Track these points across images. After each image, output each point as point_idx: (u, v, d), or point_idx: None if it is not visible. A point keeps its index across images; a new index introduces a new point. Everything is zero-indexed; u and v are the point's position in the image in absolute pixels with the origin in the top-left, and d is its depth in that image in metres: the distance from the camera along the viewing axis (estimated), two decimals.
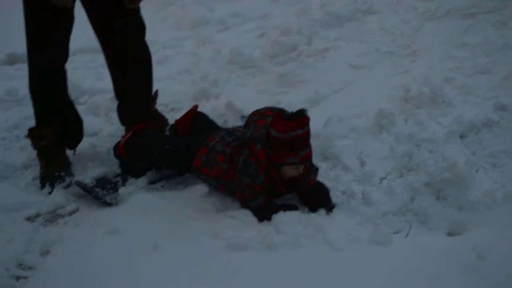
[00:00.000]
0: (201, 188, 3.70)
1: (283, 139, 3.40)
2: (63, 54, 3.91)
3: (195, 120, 4.23)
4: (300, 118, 3.41)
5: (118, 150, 3.99)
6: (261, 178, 3.49)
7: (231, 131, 3.88)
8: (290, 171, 3.50)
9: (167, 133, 4.38)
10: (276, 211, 3.44)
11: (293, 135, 3.39)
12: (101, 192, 3.76)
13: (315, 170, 3.71)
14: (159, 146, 3.89)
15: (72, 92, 5.06)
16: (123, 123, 4.40)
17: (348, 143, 4.15)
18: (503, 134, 4.29)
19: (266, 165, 3.48)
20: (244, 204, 3.53)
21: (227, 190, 3.68)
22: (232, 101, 4.78)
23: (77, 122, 4.17)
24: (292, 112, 3.47)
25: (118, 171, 3.99)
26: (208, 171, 3.68)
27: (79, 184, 3.82)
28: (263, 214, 3.45)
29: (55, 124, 3.97)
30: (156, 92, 4.46)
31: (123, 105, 4.37)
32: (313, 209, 3.56)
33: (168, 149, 3.85)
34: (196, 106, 4.35)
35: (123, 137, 4.05)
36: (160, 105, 4.89)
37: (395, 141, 4.22)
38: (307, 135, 3.46)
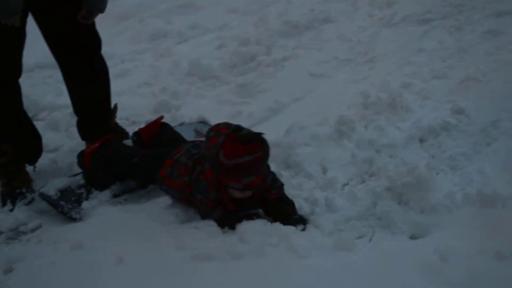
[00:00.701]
0: (164, 200, 3.68)
1: (228, 165, 3.32)
2: (16, 70, 3.85)
3: (160, 131, 4.23)
4: (251, 143, 3.32)
5: (83, 159, 3.97)
6: (212, 195, 3.48)
7: (197, 144, 3.85)
8: (235, 194, 3.46)
9: (130, 140, 4.35)
10: (237, 221, 3.45)
11: (238, 162, 3.31)
12: (66, 207, 3.72)
13: (279, 186, 3.66)
14: (127, 159, 3.87)
15: (31, 108, 5.07)
16: (84, 138, 4.37)
17: (310, 151, 4.17)
18: (461, 137, 4.35)
19: (215, 184, 3.46)
20: (203, 217, 3.55)
21: (188, 202, 3.67)
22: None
23: (36, 137, 4.13)
24: (248, 133, 3.39)
25: (82, 182, 3.96)
26: (171, 182, 3.67)
27: (43, 196, 3.78)
28: (224, 224, 3.47)
29: (13, 140, 3.92)
30: (116, 105, 4.45)
31: (82, 120, 4.34)
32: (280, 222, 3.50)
33: (136, 162, 3.83)
34: (161, 117, 4.34)
35: (88, 146, 4.01)
36: (121, 119, 4.86)
37: (356, 147, 4.26)
38: (255, 162, 3.34)
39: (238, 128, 3.44)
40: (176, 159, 3.72)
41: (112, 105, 4.42)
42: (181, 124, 4.72)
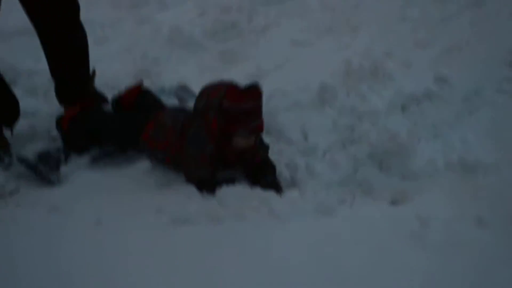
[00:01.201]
0: (144, 164, 3.65)
1: (235, 110, 3.40)
2: None
3: (141, 96, 4.17)
4: (253, 90, 3.42)
5: (62, 123, 3.94)
6: (210, 148, 3.47)
7: (179, 108, 3.90)
8: (241, 143, 3.50)
9: (110, 106, 4.29)
10: (219, 184, 3.42)
11: (245, 106, 3.41)
12: (44, 170, 3.68)
13: (265, 147, 3.71)
14: (107, 123, 3.85)
15: (9, 73, 4.95)
16: (61, 102, 4.30)
17: (291, 117, 4.14)
18: (444, 106, 4.34)
19: (218, 136, 3.47)
20: (188, 176, 3.51)
21: (173, 163, 3.64)
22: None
23: (12, 100, 4.06)
24: (245, 85, 3.46)
25: (61, 146, 3.92)
26: (155, 144, 3.65)
27: (21, 160, 3.73)
28: (207, 188, 3.44)
29: None
30: (94, 70, 4.38)
31: (60, 85, 4.28)
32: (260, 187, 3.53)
33: (117, 126, 3.81)
34: (141, 82, 4.30)
35: (67, 111, 3.96)
36: (100, 85, 4.78)
37: (337, 114, 4.22)
38: (259, 107, 3.47)
39: (233, 82, 3.55)
40: (159, 122, 3.70)
41: (91, 70, 4.35)
42: (162, 88, 4.66)
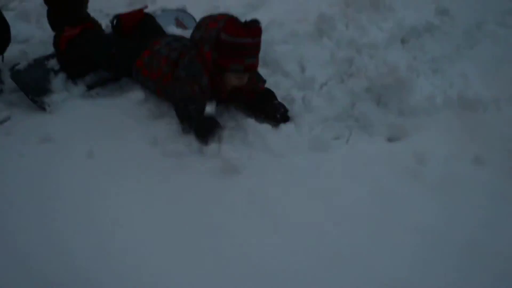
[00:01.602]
0: (137, 95, 3.58)
1: (231, 43, 3.31)
2: None
3: (143, 21, 4.08)
4: (253, 26, 3.31)
5: (60, 41, 3.84)
6: (205, 80, 3.39)
7: (178, 38, 3.79)
8: (233, 80, 3.43)
9: (110, 24, 4.17)
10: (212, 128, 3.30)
11: (242, 41, 3.31)
12: (36, 93, 3.63)
13: (264, 80, 3.64)
14: (104, 49, 3.75)
15: None
16: (54, 29, 4.21)
17: (288, 49, 4.06)
18: (444, 39, 4.29)
19: (212, 68, 3.39)
20: (172, 98, 3.45)
21: (164, 94, 3.58)
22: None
23: (2, 25, 3.95)
24: (245, 20, 3.34)
25: (57, 67, 3.83)
26: (149, 73, 3.58)
27: (16, 77, 3.68)
28: (200, 130, 3.31)
29: None
30: None
31: (52, 10, 4.17)
32: (267, 116, 3.48)
33: (113, 52, 3.72)
34: (146, 7, 4.20)
35: (66, 29, 3.88)
36: (94, 10, 4.69)
37: (335, 46, 4.16)
38: (257, 45, 3.37)
39: (235, 16, 3.44)
40: (155, 50, 3.62)
41: None
42: (162, 10, 4.58)
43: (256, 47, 3.38)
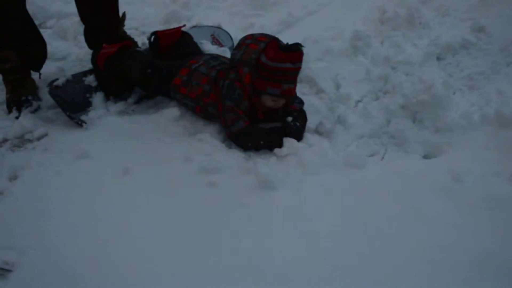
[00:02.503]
0: (172, 112, 3.61)
1: (270, 67, 3.30)
2: None
3: (181, 40, 4.11)
4: (295, 52, 3.30)
5: (97, 58, 3.88)
6: (245, 104, 3.42)
7: (215, 56, 3.80)
8: (268, 101, 3.43)
9: (147, 41, 4.23)
10: (262, 135, 3.39)
11: (281, 66, 3.29)
12: (73, 109, 3.67)
13: (301, 101, 3.65)
14: (141, 69, 3.77)
15: (38, 15, 4.98)
16: (91, 47, 4.25)
17: (323, 66, 4.08)
18: (480, 56, 4.26)
19: (250, 91, 3.40)
20: (227, 130, 3.45)
21: (203, 112, 3.60)
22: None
23: (40, 43, 4.00)
24: (287, 43, 3.34)
25: (95, 83, 3.89)
26: (187, 91, 3.59)
27: (55, 93, 3.72)
28: (249, 137, 3.40)
29: (16, 44, 3.80)
30: (124, 14, 4.32)
31: (89, 28, 4.22)
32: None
33: (149, 73, 3.74)
34: (183, 26, 4.24)
35: (105, 47, 3.93)
36: (130, 29, 4.75)
37: (370, 63, 4.16)
38: (296, 71, 3.36)
39: (277, 38, 3.44)
40: (194, 68, 3.63)
41: (121, 14, 4.29)
42: (198, 26, 4.63)
43: (296, 72, 3.36)
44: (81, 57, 4.41)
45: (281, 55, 3.27)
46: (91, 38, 4.25)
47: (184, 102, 3.65)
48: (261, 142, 3.37)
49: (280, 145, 3.33)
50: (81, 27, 4.45)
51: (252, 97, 3.42)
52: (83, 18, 4.20)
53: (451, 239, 2.70)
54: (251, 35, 3.51)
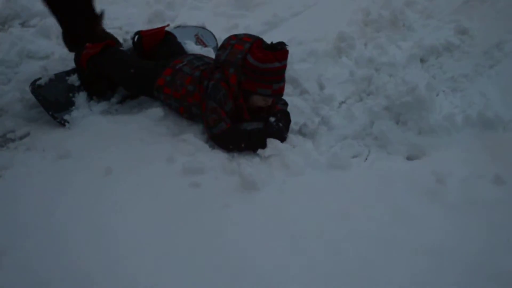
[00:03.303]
0: (156, 112, 3.59)
1: (260, 69, 3.32)
2: None
3: (164, 40, 4.10)
4: (281, 50, 3.31)
5: (80, 58, 3.86)
6: (229, 105, 3.42)
7: (199, 56, 3.81)
8: (259, 101, 3.45)
9: (131, 41, 4.21)
10: (244, 137, 3.39)
11: (270, 66, 3.31)
12: (56, 108, 3.64)
13: (284, 102, 3.65)
14: (124, 69, 3.76)
15: (22, 14, 4.94)
16: (71, 50, 4.21)
17: (307, 67, 4.08)
18: (464, 58, 4.28)
19: (236, 91, 3.40)
20: (208, 131, 3.44)
21: (187, 113, 3.59)
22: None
23: None
24: (272, 43, 3.36)
25: (77, 83, 3.86)
26: (171, 91, 3.59)
27: (37, 92, 3.68)
28: (231, 138, 3.40)
29: None
30: (102, 12, 4.26)
31: (66, 31, 4.18)
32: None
33: (132, 73, 3.73)
34: (167, 25, 4.22)
35: (88, 46, 3.91)
36: (114, 28, 4.73)
37: (354, 65, 4.17)
38: (284, 69, 3.38)
39: (261, 38, 3.47)
40: (178, 68, 3.63)
41: (99, 13, 4.24)
42: (182, 26, 4.63)
43: (284, 70, 3.39)
44: (64, 56, 4.36)
45: (269, 55, 3.28)
46: (70, 41, 4.20)
47: (168, 103, 3.64)
48: (242, 145, 3.37)
49: (263, 146, 3.32)
50: None
51: (238, 98, 3.42)
52: (59, 21, 4.15)
53: (437, 242, 2.70)
54: (235, 36, 3.52)
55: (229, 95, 3.41)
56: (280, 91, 3.45)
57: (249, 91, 3.41)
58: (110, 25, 4.54)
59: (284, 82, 3.44)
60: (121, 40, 4.42)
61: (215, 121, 3.39)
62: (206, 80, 3.48)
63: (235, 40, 3.47)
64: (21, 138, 3.53)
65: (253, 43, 3.39)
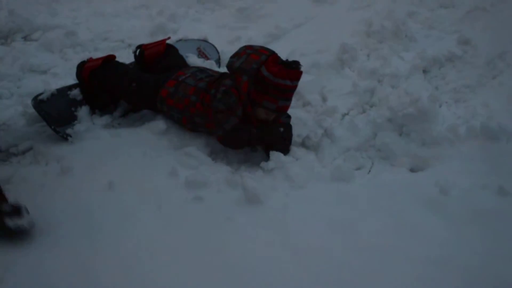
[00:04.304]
0: (158, 125, 3.59)
1: (271, 82, 3.33)
2: None
3: (166, 53, 4.08)
4: (295, 70, 3.34)
5: (82, 71, 3.86)
6: (239, 111, 3.42)
7: (202, 69, 3.81)
8: (262, 114, 3.45)
9: (132, 54, 4.19)
10: (251, 136, 3.41)
11: (282, 83, 3.33)
12: (58, 123, 3.63)
13: (286, 116, 3.63)
14: (126, 83, 3.76)
15: (24, 27, 4.94)
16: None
17: (310, 79, 4.06)
18: (466, 69, 4.27)
19: (245, 99, 3.41)
20: (219, 130, 3.43)
21: (190, 123, 3.59)
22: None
23: None
24: (287, 60, 3.39)
25: (80, 97, 3.86)
26: (174, 102, 3.59)
27: (39, 107, 3.67)
28: (239, 135, 3.42)
29: None
30: None
31: None
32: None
33: (134, 86, 3.72)
34: (168, 38, 4.21)
35: (89, 60, 3.91)
36: (116, 41, 4.75)
37: (357, 76, 4.17)
38: (294, 89, 3.41)
39: (275, 52, 3.49)
40: (181, 80, 3.64)
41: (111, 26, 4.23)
42: (184, 40, 4.63)
43: (293, 90, 3.41)
44: (67, 70, 4.38)
45: (283, 71, 3.31)
46: None
47: (171, 114, 3.63)
48: (254, 134, 3.40)
49: (275, 142, 3.42)
50: (67, 39, 4.42)
51: (246, 106, 3.42)
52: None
53: (441, 254, 2.68)
54: (251, 46, 3.55)
55: (238, 102, 3.41)
56: (284, 109, 3.47)
57: (255, 102, 3.42)
58: (112, 37, 4.55)
59: (290, 102, 3.45)
60: (124, 53, 4.43)
61: (226, 116, 3.39)
62: (213, 89, 3.48)
63: (251, 50, 3.48)
64: (23, 152, 3.53)
65: (269, 56, 3.42)
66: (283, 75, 3.31)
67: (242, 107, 3.42)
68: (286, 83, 3.32)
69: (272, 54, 3.43)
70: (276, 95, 3.35)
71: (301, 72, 3.36)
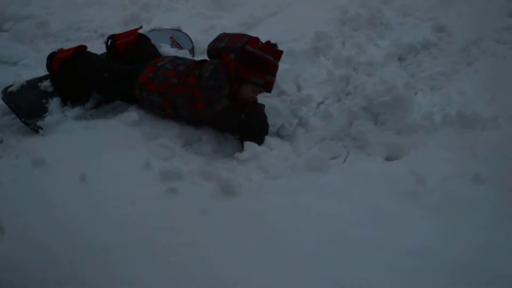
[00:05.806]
0: (131, 116, 3.54)
1: (256, 55, 3.43)
2: None
3: (138, 43, 4.03)
4: (276, 48, 3.50)
5: (52, 63, 3.80)
6: (226, 90, 3.44)
7: (179, 57, 3.84)
8: (248, 93, 3.50)
9: (104, 45, 4.14)
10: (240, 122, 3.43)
11: (267, 57, 3.44)
12: (29, 115, 3.58)
13: (262, 104, 3.64)
14: (98, 73, 3.72)
15: None
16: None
17: (285, 68, 4.02)
18: (442, 56, 4.27)
19: (233, 78, 3.45)
20: (209, 109, 3.42)
21: (171, 107, 3.55)
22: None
23: None
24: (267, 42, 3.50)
25: (50, 89, 3.80)
26: (155, 86, 3.57)
27: (8, 99, 3.62)
28: (229, 119, 3.45)
29: None
30: None
31: None
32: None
33: (107, 77, 3.69)
34: (140, 27, 4.17)
35: (60, 51, 3.85)
36: (89, 31, 4.69)
37: (332, 64, 4.14)
38: (276, 67, 3.52)
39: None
40: (160, 66, 3.64)
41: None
42: (157, 29, 4.60)
43: (276, 68, 3.52)
44: (38, 61, 4.31)
45: (266, 47, 3.45)
46: None
47: (151, 99, 3.59)
48: (243, 122, 3.42)
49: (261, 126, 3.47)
50: (39, 30, 4.35)
51: (233, 85, 3.46)
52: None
53: (418, 243, 2.66)
54: (229, 33, 3.68)
55: (227, 80, 3.44)
56: (271, 85, 3.53)
57: (243, 79, 3.46)
58: (85, 27, 4.48)
59: (275, 78, 3.54)
60: (96, 43, 4.37)
61: (218, 97, 3.42)
62: (197, 70, 3.50)
63: (232, 33, 3.62)
64: None
65: (251, 37, 3.55)
66: (267, 50, 3.43)
67: (229, 86, 3.44)
68: (271, 58, 3.44)
69: (252, 36, 3.55)
70: (264, 69, 3.44)
71: (281, 52, 3.50)
